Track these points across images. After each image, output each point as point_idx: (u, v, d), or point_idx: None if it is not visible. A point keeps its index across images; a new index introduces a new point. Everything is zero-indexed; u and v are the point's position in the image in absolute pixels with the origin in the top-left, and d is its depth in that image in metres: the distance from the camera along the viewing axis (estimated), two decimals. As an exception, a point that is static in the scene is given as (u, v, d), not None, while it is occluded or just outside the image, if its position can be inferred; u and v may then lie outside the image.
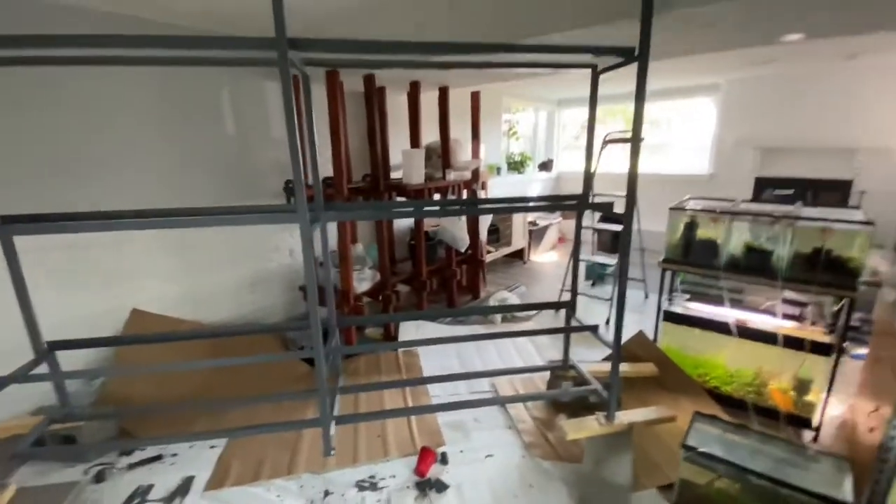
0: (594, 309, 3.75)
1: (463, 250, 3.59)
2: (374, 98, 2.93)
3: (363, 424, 2.19)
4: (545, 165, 6.68)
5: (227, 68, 2.19)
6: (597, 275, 4.42)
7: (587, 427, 1.85)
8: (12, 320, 1.81)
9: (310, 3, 2.29)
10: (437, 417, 2.27)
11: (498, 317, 3.59)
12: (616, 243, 3.96)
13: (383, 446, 2.06)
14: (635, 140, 1.64)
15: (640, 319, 3.49)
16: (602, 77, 1.88)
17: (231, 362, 1.69)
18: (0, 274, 1.70)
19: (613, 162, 4.16)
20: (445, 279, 3.73)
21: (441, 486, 1.84)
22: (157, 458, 2.02)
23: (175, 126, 2.70)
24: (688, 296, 2.53)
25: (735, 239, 2.14)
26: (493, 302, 3.71)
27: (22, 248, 1.59)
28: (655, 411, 1.94)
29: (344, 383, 2.41)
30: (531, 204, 2.35)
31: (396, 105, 3.68)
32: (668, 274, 2.58)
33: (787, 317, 2.24)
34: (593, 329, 2.13)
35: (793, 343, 2.07)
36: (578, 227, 2.26)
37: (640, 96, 1.56)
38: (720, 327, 2.27)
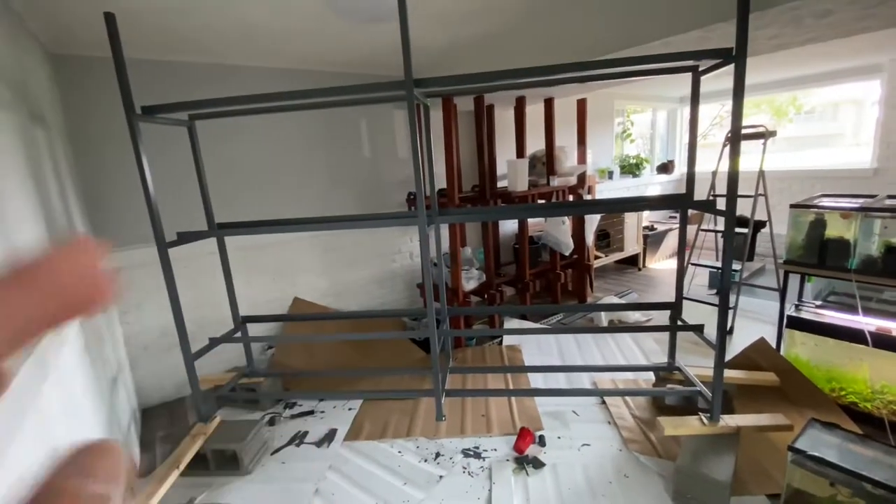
0: (715, 319, 3.51)
1: (567, 254, 3.68)
2: (483, 116, 3.25)
3: (469, 403, 2.47)
4: (665, 167, 6.32)
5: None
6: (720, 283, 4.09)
7: (687, 425, 1.87)
8: (219, 299, 2.50)
9: (428, 41, 2.70)
10: (538, 406, 2.44)
11: (604, 322, 3.59)
12: (744, 248, 3.65)
13: (487, 423, 2.31)
14: (735, 139, 1.67)
15: (774, 332, 3.19)
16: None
17: (366, 336, 2.12)
18: (209, 265, 2.38)
19: (747, 160, 3.85)
20: (549, 282, 3.86)
21: (538, 464, 2.01)
22: (310, 412, 2.56)
23: (326, 152, 3.35)
24: (818, 301, 2.31)
25: (871, 237, 1.94)
26: (599, 306, 3.72)
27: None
28: (768, 418, 1.87)
29: (453, 366, 2.72)
30: (627, 204, 2.40)
31: (504, 118, 3.95)
32: (798, 279, 2.40)
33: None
34: (698, 329, 2.11)
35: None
36: (683, 227, 2.26)
37: (738, 95, 1.60)
38: (857, 337, 2.05)
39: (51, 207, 1.73)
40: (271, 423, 2.49)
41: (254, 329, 2.73)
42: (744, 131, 3.55)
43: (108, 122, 2.48)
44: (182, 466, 1.91)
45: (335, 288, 3.54)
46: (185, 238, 1.94)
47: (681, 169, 6.47)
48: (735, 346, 2.78)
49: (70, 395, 1.47)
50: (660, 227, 5.42)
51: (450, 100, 2.97)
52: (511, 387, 2.64)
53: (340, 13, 2.08)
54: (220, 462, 2.09)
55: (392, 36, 2.52)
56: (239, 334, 2.43)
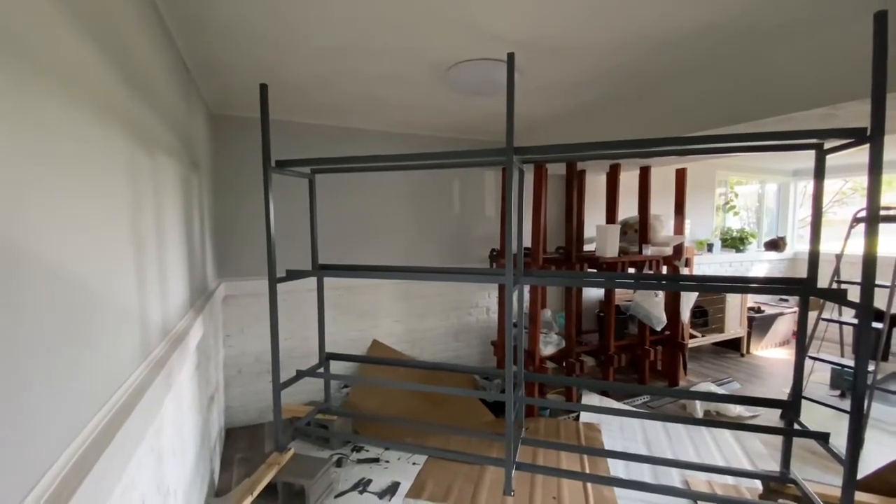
0: (839, 426, 2.97)
1: (658, 329, 3.41)
2: (573, 180, 3.26)
3: (539, 483, 2.30)
4: (774, 244, 5.75)
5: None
6: (847, 384, 3.49)
7: (807, 556, 1.56)
8: (307, 333, 2.66)
9: (525, 110, 2.83)
10: (617, 498, 2.19)
11: (699, 412, 3.19)
12: (878, 346, 3.11)
13: (558, 507, 2.12)
14: (872, 221, 1.50)
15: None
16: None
17: (439, 389, 2.11)
18: (304, 301, 2.57)
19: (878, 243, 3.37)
20: (636, 358, 3.58)
21: (615, 567, 1.78)
22: (376, 460, 2.55)
23: (418, 205, 3.57)
24: None
25: None
26: (692, 391, 3.34)
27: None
28: (922, 568, 1.49)
29: (525, 436, 2.57)
30: (737, 285, 2.19)
31: (595, 183, 3.93)
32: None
33: None
34: (822, 437, 1.80)
35: None
36: (803, 317, 2.01)
37: (874, 177, 1.46)
38: None
39: (192, 237, 2.03)
40: (338, 464, 2.52)
41: (334, 366, 2.85)
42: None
43: (241, 170, 2.90)
44: (255, 494, 1.99)
45: (411, 335, 3.61)
46: (292, 275, 2.14)
47: (793, 247, 5.85)
48: (865, 462, 2.32)
49: (179, 407, 1.64)
50: (768, 310, 4.83)
51: (542, 164, 3.04)
52: (588, 470, 2.42)
53: (454, 88, 2.28)
54: (288, 496, 2.14)
55: (490, 105, 2.70)
56: (322, 370, 2.55)
